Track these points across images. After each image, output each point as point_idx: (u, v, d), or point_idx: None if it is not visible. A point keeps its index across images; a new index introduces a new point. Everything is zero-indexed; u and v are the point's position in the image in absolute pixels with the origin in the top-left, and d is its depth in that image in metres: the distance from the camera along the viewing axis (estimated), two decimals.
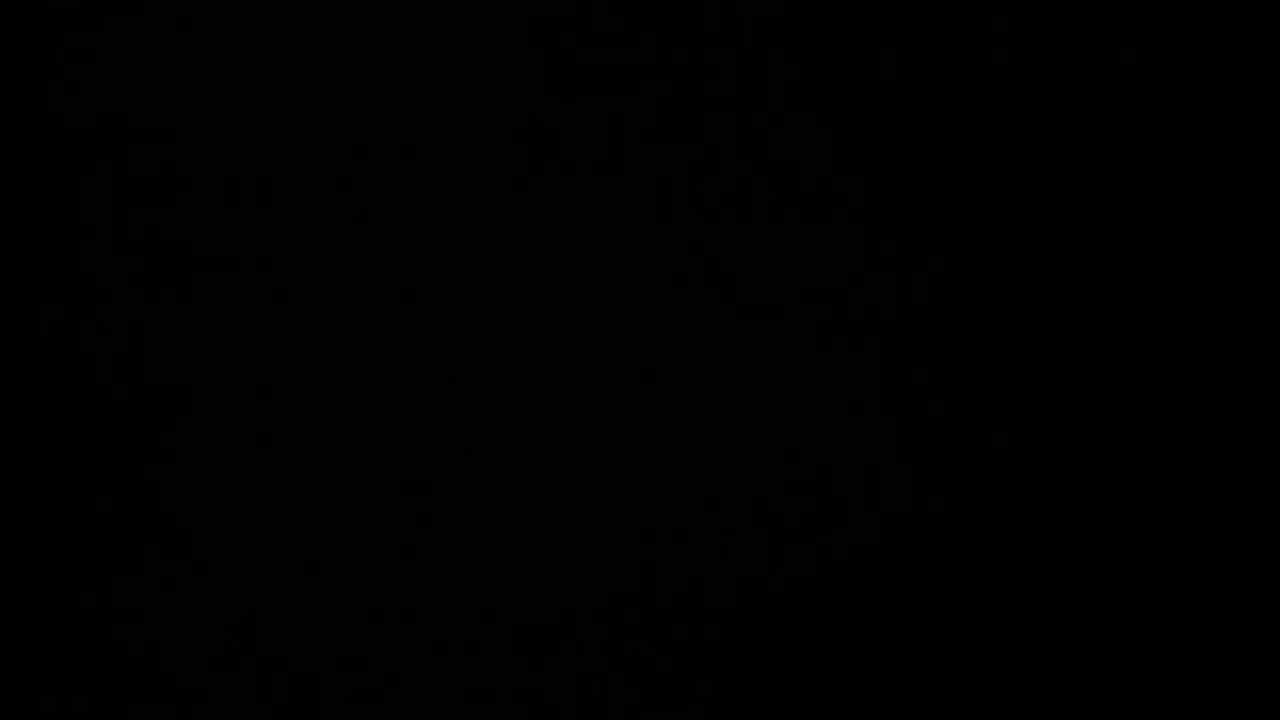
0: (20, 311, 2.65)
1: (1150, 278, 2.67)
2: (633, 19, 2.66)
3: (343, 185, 2.68)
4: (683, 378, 2.66)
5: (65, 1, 2.66)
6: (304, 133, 2.68)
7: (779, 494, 2.64)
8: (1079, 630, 2.62)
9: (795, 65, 2.67)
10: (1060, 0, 2.67)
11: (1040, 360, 2.66)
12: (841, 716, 2.60)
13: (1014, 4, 2.67)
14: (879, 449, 2.64)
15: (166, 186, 2.67)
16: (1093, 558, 2.64)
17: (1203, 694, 2.60)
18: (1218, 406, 2.64)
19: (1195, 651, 2.61)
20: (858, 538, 2.63)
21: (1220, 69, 2.68)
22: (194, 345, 2.66)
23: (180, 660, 2.60)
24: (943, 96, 2.67)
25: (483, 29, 2.68)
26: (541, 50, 2.67)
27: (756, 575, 2.63)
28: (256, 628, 2.61)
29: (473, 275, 2.68)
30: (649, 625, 2.63)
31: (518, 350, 2.66)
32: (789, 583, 2.63)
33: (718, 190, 2.66)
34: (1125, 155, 2.68)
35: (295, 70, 2.68)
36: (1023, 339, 2.67)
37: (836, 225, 2.66)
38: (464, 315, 2.67)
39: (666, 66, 2.66)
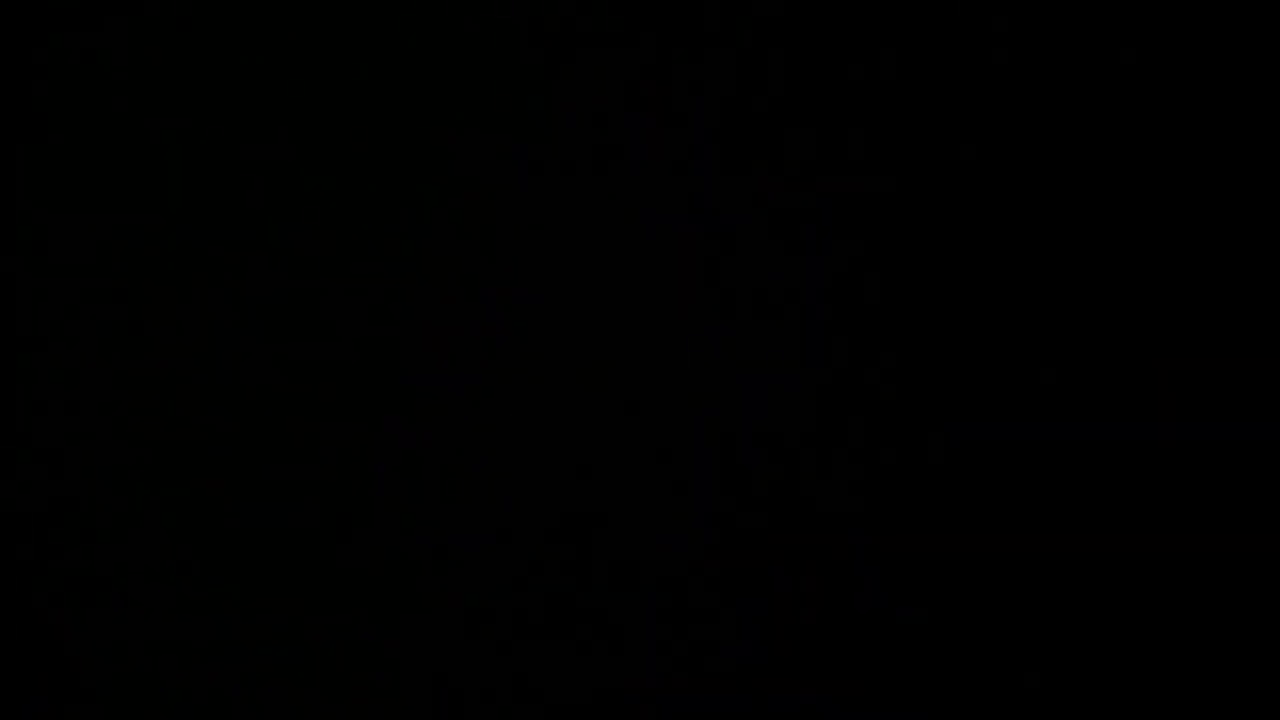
0: (16, 309, 2.66)
1: (1147, 278, 2.67)
2: (631, 20, 2.66)
3: (335, 183, 2.69)
4: (677, 377, 2.66)
5: (65, 1, 2.67)
6: (301, 131, 2.69)
7: (772, 488, 2.64)
8: (1080, 631, 2.62)
9: (793, 66, 2.67)
10: (1060, 0, 2.67)
11: (1037, 361, 2.66)
12: (840, 716, 2.60)
13: (1014, 4, 2.67)
14: (874, 449, 2.64)
15: (161, 184, 2.68)
16: (1092, 558, 2.64)
17: (1204, 697, 2.60)
18: (1218, 406, 2.64)
19: (1195, 660, 2.61)
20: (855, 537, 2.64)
21: (1220, 69, 2.68)
22: (188, 342, 2.66)
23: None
24: (943, 96, 2.67)
25: (481, 29, 2.69)
26: (536, 50, 2.68)
27: (749, 576, 2.64)
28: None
29: (459, 274, 2.68)
30: (640, 623, 2.64)
31: (510, 348, 2.67)
32: (783, 579, 2.63)
33: (713, 189, 2.66)
34: (1126, 155, 2.68)
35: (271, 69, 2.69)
36: (1024, 339, 2.67)
37: (834, 224, 2.66)
38: (447, 314, 2.67)
39: (665, 66, 2.66)
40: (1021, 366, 2.66)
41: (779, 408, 2.65)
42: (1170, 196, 2.67)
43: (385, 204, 2.68)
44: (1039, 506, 2.64)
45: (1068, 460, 2.64)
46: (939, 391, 2.65)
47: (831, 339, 2.65)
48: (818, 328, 2.66)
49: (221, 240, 2.67)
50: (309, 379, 2.67)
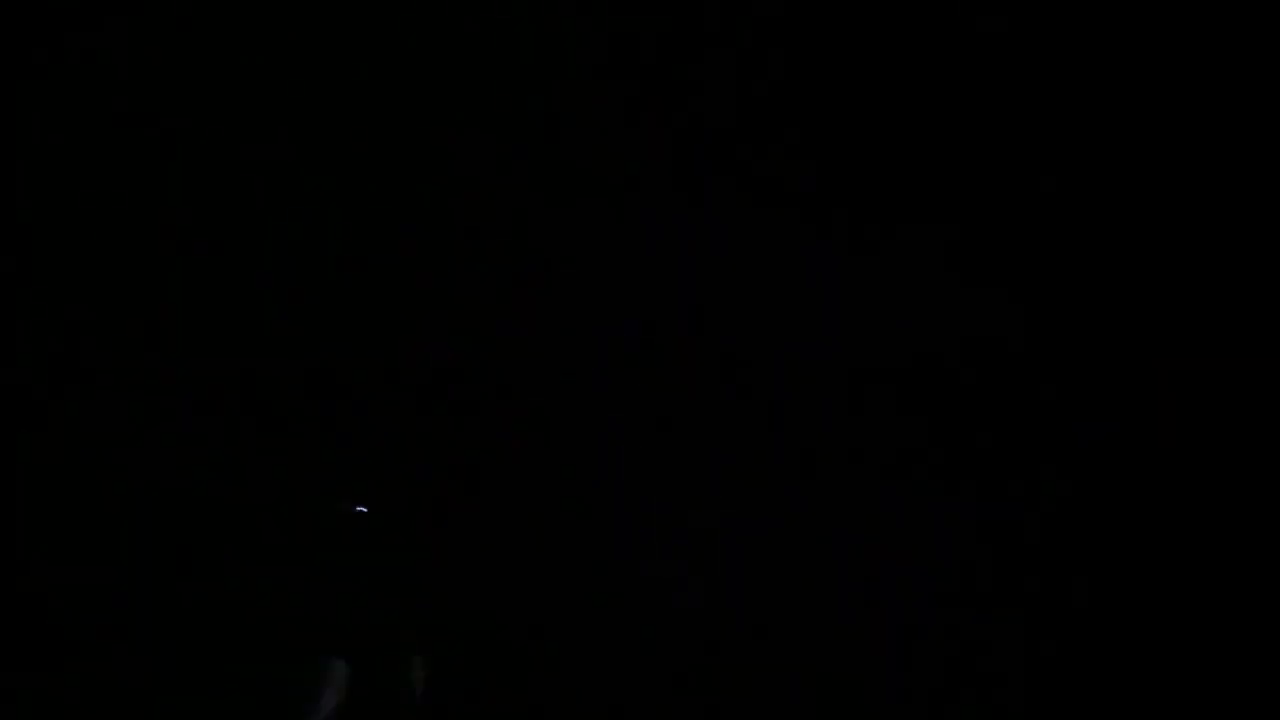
0: (17, 306, 2.66)
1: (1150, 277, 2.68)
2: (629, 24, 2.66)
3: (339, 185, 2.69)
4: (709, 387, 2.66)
5: (65, 1, 2.67)
6: (304, 133, 2.69)
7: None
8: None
9: (793, 68, 2.66)
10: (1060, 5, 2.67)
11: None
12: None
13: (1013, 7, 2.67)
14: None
15: (161, 185, 2.68)
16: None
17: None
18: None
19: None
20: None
21: (1220, 68, 2.67)
22: (192, 339, 2.67)
23: None
24: (957, 105, 2.67)
25: (482, 29, 2.69)
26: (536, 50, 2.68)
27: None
28: None
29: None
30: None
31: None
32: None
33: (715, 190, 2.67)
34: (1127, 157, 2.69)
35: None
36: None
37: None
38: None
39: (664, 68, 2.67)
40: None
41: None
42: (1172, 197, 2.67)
43: (385, 204, 2.68)
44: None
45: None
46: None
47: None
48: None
49: (220, 239, 2.68)
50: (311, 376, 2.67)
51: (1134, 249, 2.68)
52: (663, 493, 2.66)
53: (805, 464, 2.66)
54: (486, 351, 2.67)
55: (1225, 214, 2.67)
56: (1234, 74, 2.67)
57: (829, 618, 2.63)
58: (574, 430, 2.67)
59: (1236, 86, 2.67)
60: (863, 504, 2.65)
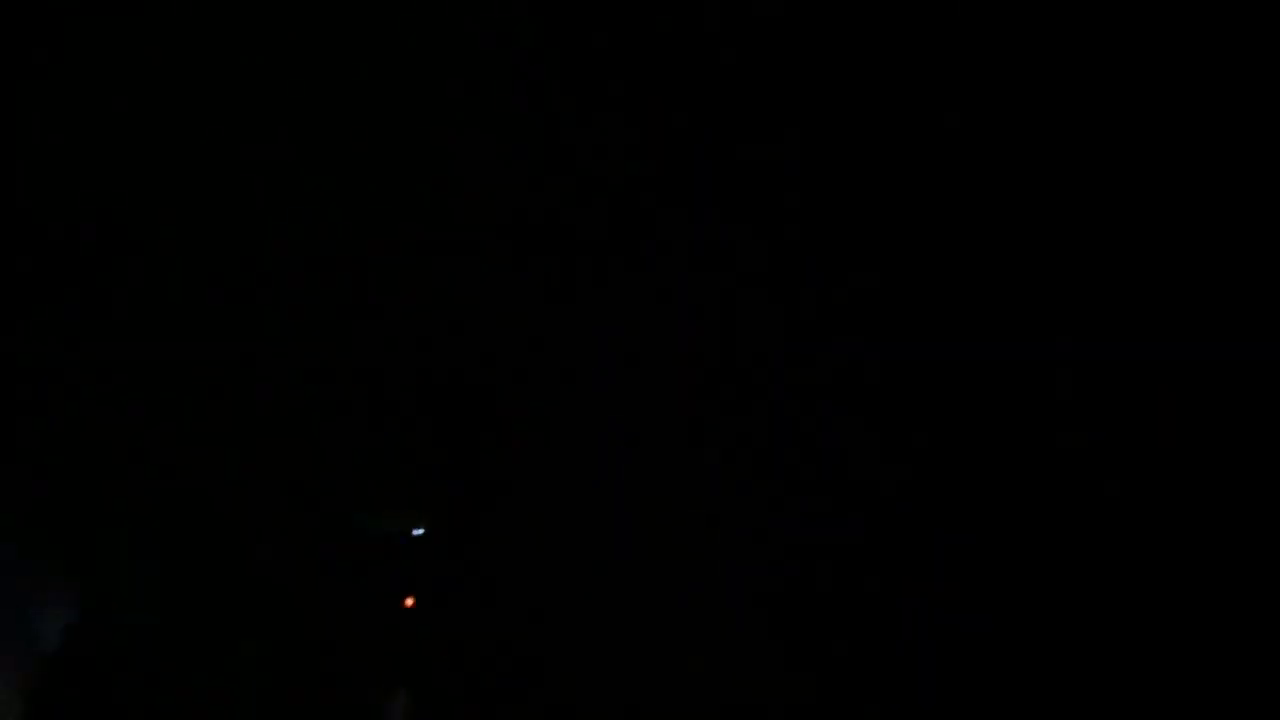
0: (19, 308, 2.66)
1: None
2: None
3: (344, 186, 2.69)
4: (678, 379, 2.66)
5: (65, 1, 2.66)
6: (307, 135, 2.69)
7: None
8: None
9: (787, 72, 2.66)
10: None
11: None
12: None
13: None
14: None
15: (161, 186, 2.68)
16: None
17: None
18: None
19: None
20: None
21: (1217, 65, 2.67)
22: (195, 341, 2.67)
23: None
24: (952, 102, 2.66)
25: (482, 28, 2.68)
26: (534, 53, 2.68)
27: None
28: None
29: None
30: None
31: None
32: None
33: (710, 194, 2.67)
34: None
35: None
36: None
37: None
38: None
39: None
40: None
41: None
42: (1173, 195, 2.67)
43: (384, 203, 2.68)
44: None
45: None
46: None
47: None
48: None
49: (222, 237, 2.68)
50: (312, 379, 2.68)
51: (1132, 248, 2.68)
52: (665, 495, 2.66)
53: (806, 464, 2.67)
54: (487, 353, 2.68)
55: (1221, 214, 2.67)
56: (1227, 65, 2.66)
57: (828, 617, 2.64)
58: (577, 433, 2.68)
59: (1236, 77, 2.66)
60: (861, 505, 2.66)
